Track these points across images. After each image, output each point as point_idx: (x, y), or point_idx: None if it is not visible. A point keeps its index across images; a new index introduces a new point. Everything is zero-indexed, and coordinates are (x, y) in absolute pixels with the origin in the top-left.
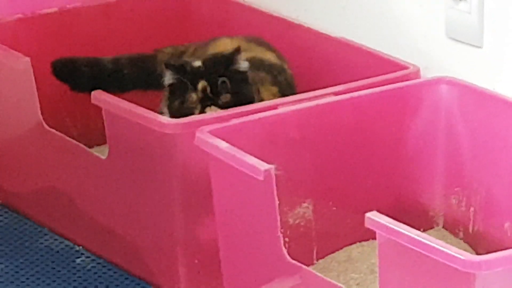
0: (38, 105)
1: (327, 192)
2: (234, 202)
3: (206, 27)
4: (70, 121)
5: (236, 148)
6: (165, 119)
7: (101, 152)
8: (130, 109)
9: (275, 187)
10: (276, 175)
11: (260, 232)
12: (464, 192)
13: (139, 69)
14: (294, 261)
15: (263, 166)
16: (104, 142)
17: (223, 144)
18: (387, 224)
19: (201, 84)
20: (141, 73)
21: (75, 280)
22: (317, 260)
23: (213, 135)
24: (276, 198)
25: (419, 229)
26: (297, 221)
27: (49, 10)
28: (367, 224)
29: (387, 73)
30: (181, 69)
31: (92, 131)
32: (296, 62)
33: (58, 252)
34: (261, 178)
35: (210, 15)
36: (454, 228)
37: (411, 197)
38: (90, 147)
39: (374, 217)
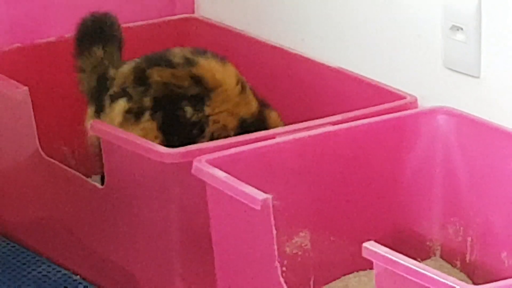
0: (36, 134)
1: (325, 222)
2: (232, 231)
3: None
4: (68, 150)
5: (234, 177)
6: (163, 148)
7: (98, 181)
8: (128, 139)
9: (272, 217)
10: (273, 204)
11: (258, 261)
12: (461, 222)
13: None
14: None
15: (260, 195)
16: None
17: (221, 174)
18: (384, 254)
19: None
20: None
21: None
22: None
23: (211, 165)
24: (274, 228)
25: (416, 259)
26: (294, 251)
27: (47, 40)
28: (364, 254)
29: (384, 103)
30: None
31: (90, 160)
32: (293, 92)
33: (56, 281)
34: (258, 207)
35: (209, 45)
36: (452, 257)
37: (408, 227)
38: (88, 176)
39: (371, 247)
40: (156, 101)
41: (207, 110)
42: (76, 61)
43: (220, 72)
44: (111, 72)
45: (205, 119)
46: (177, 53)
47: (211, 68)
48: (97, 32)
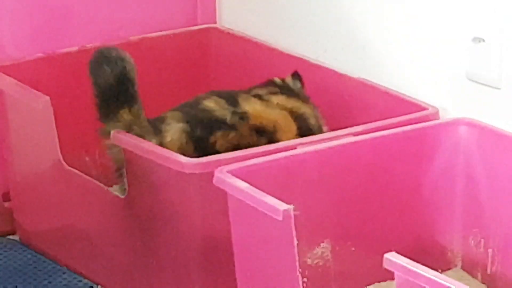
0: (58, 144)
1: (346, 232)
2: (253, 242)
3: (226, 67)
4: (90, 160)
5: (255, 188)
6: (184, 158)
7: (118, 191)
8: (150, 149)
9: (293, 227)
10: (295, 215)
11: (279, 272)
12: (483, 233)
13: None
14: None
15: (282, 206)
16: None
17: (242, 184)
18: (406, 265)
19: None
20: None
21: None
22: None
23: (232, 175)
24: (295, 238)
25: (437, 270)
26: (315, 261)
27: (69, 49)
28: (385, 265)
29: (406, 114)
30: None
31: (111, 170)
32: (315, 102)
33: None
34: (280, 218)
35: (230, 55)
36: (472, 269)
37: (429, 238)
38: (109, 185)
39: (392, 258)
40: None
41: None
42: (102, 125)
43: (266, 111)
44: (153, 141)
45: None
46: (220, 107)
47: (260, 111)
48: (123, 94)
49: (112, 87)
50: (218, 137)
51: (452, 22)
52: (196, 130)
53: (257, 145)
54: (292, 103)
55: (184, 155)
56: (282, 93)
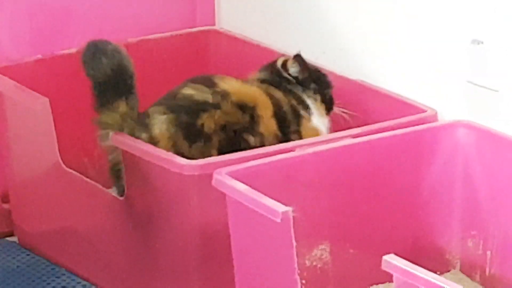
0: (56, 145)
1: (344, 234)
2: (252, 244)
3: (225, 69)
4: (88, 161)
5: (254, 189)
6: (183, 160)
7: (115, 193)
8: (148, 151)
9: (292, 229)
10: (293, 217)
11: (278, 273)
12: (481, 235)
13: None
14: None
15: (280, 208)
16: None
17: (241, 186)
18: (404, 267)
19: None
20: None
21: None
22: None
23: (231, 177)
24: (294, 240)
25: (435, 272)
26: (314, 263)
27: (68, 51)
28: (384, 267)
29: (404, 115)
30: None
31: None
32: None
33: None
34: (278, 220)
35: (229, 57)
36: (471, 271)
37: (428, 240)
38: (107, 187)
39: (391, 260)
40: (220, 150)
41: (261, 128)
42: (97, 116)
43: (244, 87)
44: (143, 136)
45: (261, 137)
46: (199, 90)
47: (238, 87)
48: (121, 85)
49: (110, 78)
50: (205, 119)
51: (451, 24)
52: (181, 117)
53: (242, 122)
54: (266, 87)
55: (176, 143)
56: (267, 81)
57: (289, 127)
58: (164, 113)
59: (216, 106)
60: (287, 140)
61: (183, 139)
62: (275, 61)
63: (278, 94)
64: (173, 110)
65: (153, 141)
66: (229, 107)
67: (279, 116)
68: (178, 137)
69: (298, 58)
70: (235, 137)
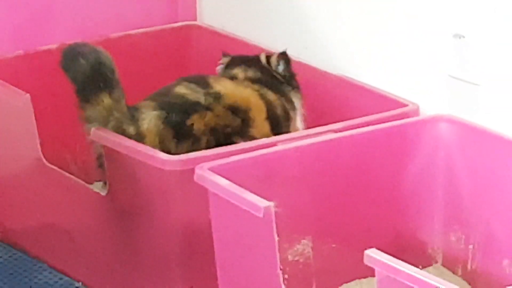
0: (38, 141)
1: (327, 229)
2: (234, 238)
3: (206, 63)
4: (70, 156)
5: (236, 185)
6: (165, 156)
7: (101, 187)
8: (130, 146)
9: (274, 224)
10: (275, 212)
11: (260, 268)
12: (463, 230)
13: None
14: None
15: (262, 203)
16: (101, 177)
17: (223, 181)
18: (386, 261)
19: None
20: None
21: None
22: None
23: (213, 172)
24: (276, 235)
25: (418, 266)
26: (296, 258)
27: (49, 47)
28: (366, 261)
29: (386, 110)
30: None
31: (92, 167)
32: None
33: None
34: (260, 215)
35: (211, 52)
36: (453, 265)
37: (410, 234)
38: (89, 182)
39: (373, 254)
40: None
41: (252, 131)
42: (81, 111)
43: (238, 89)
44: (130, 130)
45: (253, 140)
46: (193, 90)
47: (232, 89)
48: (102, 80)
49: (90, 76)
50: (195, 120)
51: (433, 18)
52: (172, 115)
53: (233, 126)
54: (259, 87)
55: (164, 141)
56: (258, 80)
57: (281, 128)
58: (155, 109)
59: (208, 108)
60: None
61: (171, 138)
62: (258, 57)
63: (271, 95)
64: (164, 108)
65: (139, 136)
66: (221, 109)
67: (273, 118)
68: (167, 135)
69: (284, 56)
70: (225, 139)
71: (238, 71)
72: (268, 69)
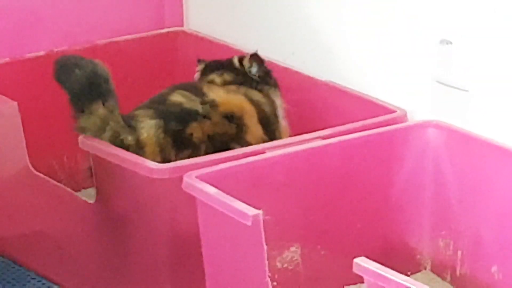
0: (25, 149)
1: (315, 236)
2: (222, 247)
3: (193, 69)
4: (57, 164)
5: (224, 193)
6: (153, 164)
7: (88, 195)
8: (118, 154)
9: (263, 232)
10: (264, 220)
11: (249, 276)
12: (452, 236)
13: None
14: None
15: (251, 211)
16: (92, 185)
17: (211, 189)
18: (375, 269)
19: None
20: None
21: None
22: None
23: (201, 180)
24: (264, 243)
25: (406, 272)
26: (285, 265)
27: (36, 54)
28: (355, 270)
29: (374, 116)
30: None
31: (80, 174)
32: (283, 105)
33: None
34: (249, 223)
35: (199, 57)
36: (442, 271)
37: (398, 240)
38: (77, 189)
39: (362, 262)
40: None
41: (248, 137)
42: (75, 121)
43: (230, 96)
44: (129, 139)
45: (248, 145)
46: (188, 99)
47: (226, 97)
48: (96, 90)
49: (85, 85)
50: (193, 128)
51: (420, 24)
52: (170, 124)
53: (229, 133)
54: (244, 90)
55: (164, 150)
56: (235, 82)
57: (273, 128)
58: (153, 118)
59: (206, 116)
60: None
61: (171, 146)
62: (231, 61)
63: (257, 96)
64: (162, 116)
65: (139, 145)
66: (218, 117)
67: (263, 119)
68: (167, 143)
69: (255, 56)
70: (222, 147)
71: (215, 76)
72: (242, 71)
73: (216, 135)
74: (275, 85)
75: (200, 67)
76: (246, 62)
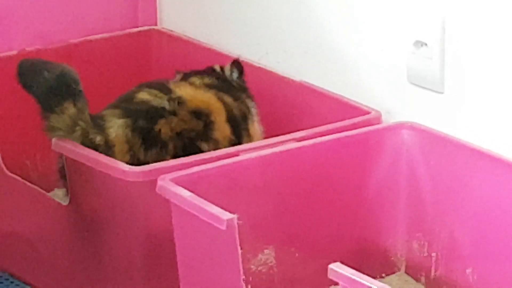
0: None
1: (290, 238)
2: (197, 250)
3: (167, 68)
4: (30, 163)
5: (198, 195)
6: (127, 166)
7: (61, 195)
8: (92, 157)
9: (237, 236)
10: (238, 223)
11: (223, 279)
12: (426, 237)
13: None
14: None
15: (225, 215)
16: (65, 185)
17: (185, 193)
18: (350, 275)
19: None
20: None
21: None
22: None
23: (175, 183)
24: (239, 247)
25: (381, 274)
26: (259, 268)
27: (8, 53)
28: (330, 276)
29: (348, 118)
30: None
31: (53, 174)
32: (257, 106)
33: None
34: (223, 227)
35: (172, 57)
36: (416, 273)
37: (373, 242)
38: (50, 189)
39: (337, 268)
40: (175, 157)
41: (216, 134)
42: (44, 120)
43: (198, 93)
44: (98, 139)
45: (216, 143)
46: (155, 96)
47: (193, 94)
48: (66, 90)
49: (53, 86)
50: (162, 125)
51: (394, 26)
52: (138, 122)
53: (196, 129)
54: (215, 91)
55: (132, 148)
56: (215, 86)
57: (241, 131)
58: (120, 117)
59: (173, 113)
60: (240, 144)
61: (140, 145)
62: (212, 67)
63: (228, 99)
64: (130, 115)
65: (108, 145)
66: (185, 114)
67: (232, 121)
68: (135, 142)
69: (236, 64)
70: (190, 144)
71: (195, 79)
72: (223, 76)
73: (184, 132)
74: (252, 97)
75: (177, 77)
76: (227, 69)
